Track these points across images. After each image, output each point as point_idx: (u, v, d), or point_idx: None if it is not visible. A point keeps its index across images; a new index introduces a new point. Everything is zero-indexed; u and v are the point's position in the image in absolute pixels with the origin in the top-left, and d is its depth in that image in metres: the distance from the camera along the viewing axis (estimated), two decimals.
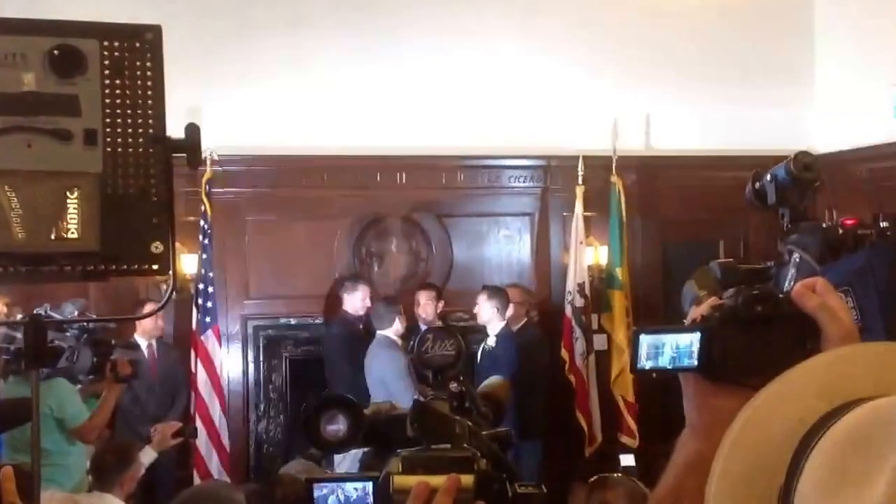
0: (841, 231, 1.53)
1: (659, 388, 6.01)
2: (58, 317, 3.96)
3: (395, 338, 6.46)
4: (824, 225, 1.56)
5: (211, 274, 6.95)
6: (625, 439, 7.34)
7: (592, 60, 7.80)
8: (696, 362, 1.02)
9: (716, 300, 1.08)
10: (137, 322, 6.54)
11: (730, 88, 7.93)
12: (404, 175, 7.71)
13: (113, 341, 4.17)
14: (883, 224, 1.52)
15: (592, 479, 3.60)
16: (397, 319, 6.52)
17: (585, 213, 7.57)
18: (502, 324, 6.82)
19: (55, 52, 1.43)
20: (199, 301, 6.90)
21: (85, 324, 4.00)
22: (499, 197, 7.90)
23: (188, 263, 7.03)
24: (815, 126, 7.96)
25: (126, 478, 4.39)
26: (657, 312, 7.43)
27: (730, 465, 0.75)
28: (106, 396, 4.88)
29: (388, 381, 6.14)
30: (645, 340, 1.03)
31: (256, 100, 7.37)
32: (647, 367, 1.04)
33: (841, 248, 1.50)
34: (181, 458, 6.58)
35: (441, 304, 7.22)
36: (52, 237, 1.41)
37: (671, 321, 1.15)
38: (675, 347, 1.02)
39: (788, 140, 6.85)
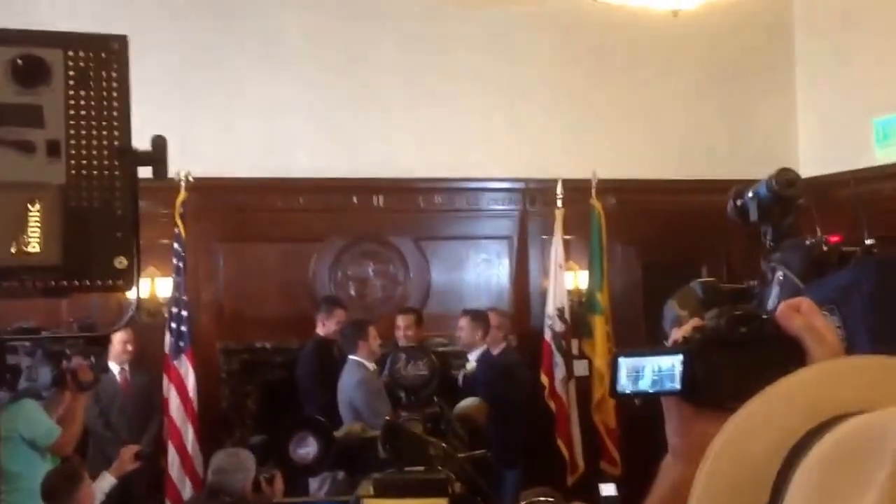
0: (825, 248, 1.50)
1: (642, 415, 5.96)
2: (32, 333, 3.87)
3: (363, 361, 6.34)
4: (808, 242, 1.54)
5: (185, 297, 6.84)
6: (607, 467, 7.21)
7: (571, 84, 7.81)
8: (678, 385, 0.98)
9: (698, 321, 1.05)
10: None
11: (711, 113, 7.97)
12: (381, 198, 7.67)
13: (67, 350, 4.06)
14: (868, 241, 1.49)
15: None
16: (363, 342, 6.39)
17: (565, 237, 7.50)
18: (483, 347, 6.78)
19: (18, 61, 1.39)
20: (173, 325, 6.78)
21: (39, 341, 3.90)
22: (477, 220, 7.88)
23: (162, 287, 6.92)
24: (796, 152, 7.98)
25: (79, 498, 4.30)
26: (638, 337, 7.36)
27: (712, 481, 0.73)
28: (72, 407, 4.76)
29: (357, 405, 6.06)
30: (624, 363, 1.00)
31: (231, 121, 7.34)
32: (627, 391, 1.00)
33: (826, 266, 1.47)
34: (154, 485, 6.49)
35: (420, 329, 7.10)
36: (13, 251, 1.37)
37: (652, 345, 1.12)
38: (657, 370, 0.99)
39: (769, 165, 6.86)
